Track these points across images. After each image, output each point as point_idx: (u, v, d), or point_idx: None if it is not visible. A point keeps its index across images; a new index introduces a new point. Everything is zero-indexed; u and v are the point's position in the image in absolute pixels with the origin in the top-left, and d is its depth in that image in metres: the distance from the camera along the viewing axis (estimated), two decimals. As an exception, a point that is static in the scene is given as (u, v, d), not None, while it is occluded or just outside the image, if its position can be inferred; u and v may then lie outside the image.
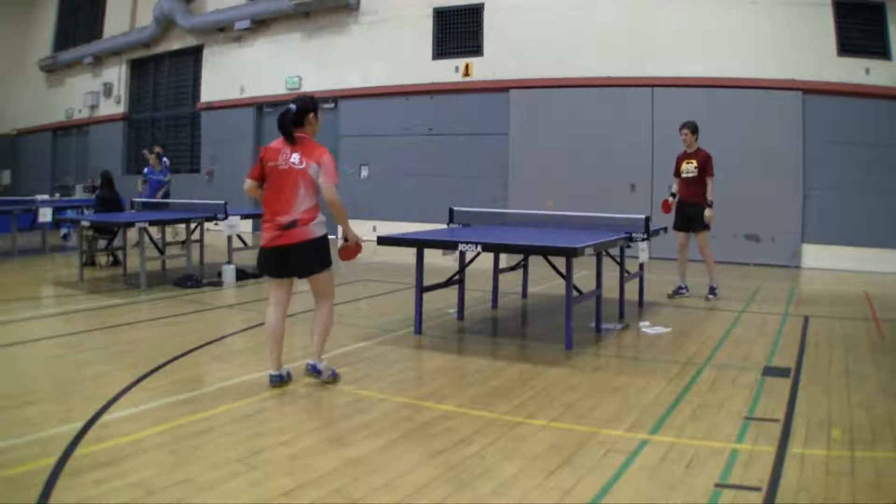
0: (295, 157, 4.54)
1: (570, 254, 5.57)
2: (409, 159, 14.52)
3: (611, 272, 7.00)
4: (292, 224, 4.53)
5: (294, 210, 4.53)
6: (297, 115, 4.59)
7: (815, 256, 11.63)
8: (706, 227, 8.15)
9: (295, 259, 4.60)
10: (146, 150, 14.58)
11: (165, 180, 13.69)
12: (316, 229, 4.60)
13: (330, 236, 4.88)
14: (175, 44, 18.82)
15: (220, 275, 9.21)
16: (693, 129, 8.31)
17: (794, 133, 11.62)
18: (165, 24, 18.56)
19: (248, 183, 4.74)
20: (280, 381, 4.76)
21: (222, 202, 9.77)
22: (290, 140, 4.59)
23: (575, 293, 5.98)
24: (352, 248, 4.80)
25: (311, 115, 4.66)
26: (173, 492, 3.10)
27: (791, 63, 11.58)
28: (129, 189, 14.78)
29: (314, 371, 4.81)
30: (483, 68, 14.04)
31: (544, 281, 8.71)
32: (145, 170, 13.82)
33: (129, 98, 20.14)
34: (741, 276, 10.54)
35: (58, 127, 22.12)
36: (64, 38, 22.23)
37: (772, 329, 6.81)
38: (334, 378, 4.87)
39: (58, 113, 21.80)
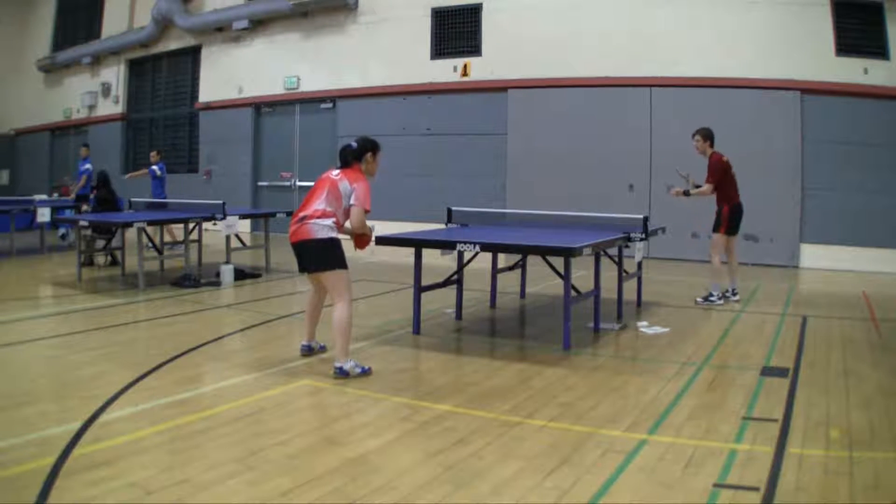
0: (335, 173, 5.16)
1: (568, 254, 5.58)
2: (408, 159, 14.49)
3: (609, 272, 7.00)
4: (303, 219, 5.02)
5: (310, 208, 5.05)
6: (356, 150, 5.20)
7: (814, 256, 11.62)
8: (721, 229, 8.05)
9: (303, 255, 5.10)
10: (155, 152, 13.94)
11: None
12: (316, 229, 4.97)
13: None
14: (173, 44, 18.78)
15: (218, 275, 9.20)
16: (704, 136, 7.99)
17: (793, 133, 11.61)
18: (164, 24, 18.50)
19: None
20: (308, 351, 5.49)
21: (220, 202, 9.75)
22: (343, 166, 5.20)
23: (573, 293, 5.99)
24: (364, 237, 5.22)
25: (370, 154, 5.23)
26: (171, 492, 3.10)
27: (789, 63, 11.56)
28: (128, 189, 14.74)
29: (341, 374, 4.92)
30: (481, 68, 14.02)
31: (542, 281, 8.70)
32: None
33: (127, 98, 20.09)
34: (740, 276, 10.51)
35: (56, 127, 22.05)
36: (62, 38, 22.14)
37: (770, 329, 6.81)
38: (365, 373, 4.99)
39: (56, 113, 21.73)
